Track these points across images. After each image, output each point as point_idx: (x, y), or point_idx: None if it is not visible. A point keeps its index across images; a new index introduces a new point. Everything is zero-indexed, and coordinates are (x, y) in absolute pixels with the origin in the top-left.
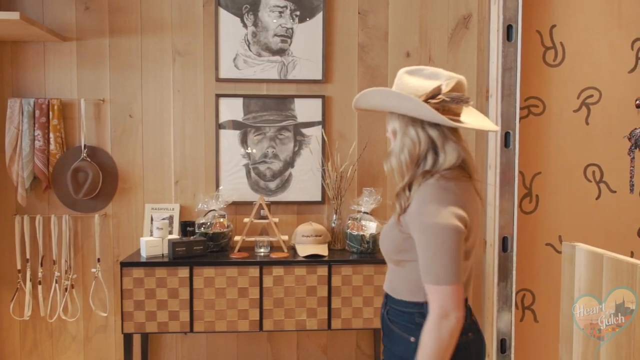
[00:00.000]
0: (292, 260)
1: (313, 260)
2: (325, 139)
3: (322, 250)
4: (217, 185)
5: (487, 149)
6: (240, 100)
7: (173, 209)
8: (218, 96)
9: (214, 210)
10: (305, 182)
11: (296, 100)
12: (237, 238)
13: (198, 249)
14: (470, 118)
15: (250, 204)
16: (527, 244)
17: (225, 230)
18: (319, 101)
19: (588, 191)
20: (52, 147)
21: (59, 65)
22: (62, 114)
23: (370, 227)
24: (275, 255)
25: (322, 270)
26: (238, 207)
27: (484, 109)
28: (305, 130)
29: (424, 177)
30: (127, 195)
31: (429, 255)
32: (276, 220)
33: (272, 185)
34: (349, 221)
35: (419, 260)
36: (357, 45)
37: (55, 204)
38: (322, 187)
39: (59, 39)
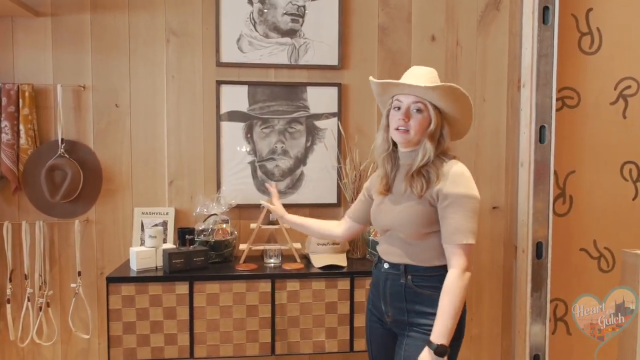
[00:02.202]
0: (309, 273)
1: (333, 272)
2: (342, 132)
3: (341, 260)
4: (218, 186)
5: (519, 144)
6: (244, 88)
7: (167, 214)
8: (219, 83)
9: (215, 214)
10: (319, 182)
11: (309, 89)
12: (242, 247)
13: (198, 260)
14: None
15: (256, 207)
16: (560, 249)
17: (228, 237)
18: (334, 90)
19: (624, 191)
20: (22, 141)
21: (31, 45)
22: (35, 102)
23: None
24: (288, 267)
25: (343, 284)
26: (242, 210)
27: (515, 100)
28: (319, 123)
29: (446, 156)
30: (113, 197)
31: (464, 218)
32: (287, 225)
33: (282, 185)
34: (370, 226)
35: (449, 223)
36: (377, 27)
37: (27, 208)
38: (338, 187)
39: (30, 14)
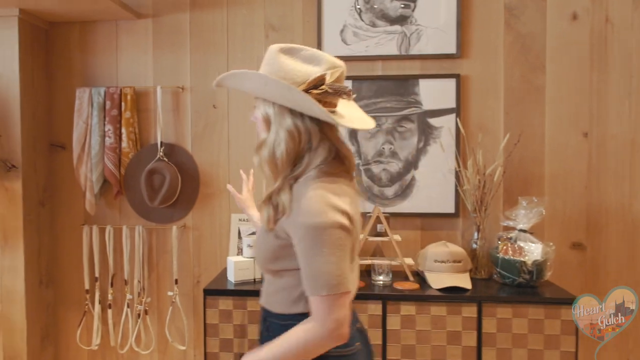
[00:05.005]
0: (427, 295)
1: (456, 295)
2: (462, 131)
3: (464, 281)
4: None
5: None
6: (348, 84)
7: None
8: None
9: None
10: (432, 188)
11: (421, 82)
12: None
13: None
14: (346, 109)
15: (361, 215)
16: None
17: None
18: (451, 82)
19: None
20: (124, 144)
21: (133, 47)
22: (136, 105)
23: (533, 250)
24: (400, 286)
25: (469, 310)
26: None
27: None
28: (433, 121)
29: (299, 176)
30: (210, 202)
31: (313, 261)
32: (398, 238)
33: (389, 191)
34: (499, 242)
35: (301, 267)
36: (503, 7)
37: (128, 212)
38: (457, 194)
39: (132, 16)
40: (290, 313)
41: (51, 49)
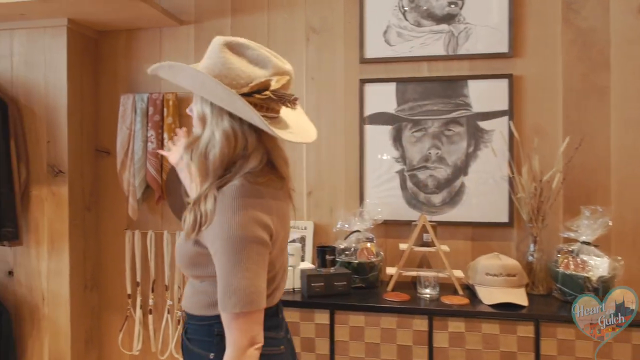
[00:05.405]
0: (477, 312)
1: (511, 313)
2: (516, 134)
3: (519, 297)
4: (362, 199)
5: None
6: (392, 86)
7: (305, 228)
8: (363, 82)
9: (357, 231)
10: (484, 196)
11: (470, 83)
12: (390, 270)
13: (340, 285)
14: (291, 116)
15: (406, 224)
16: None
17: (374, 259)
18: (504, 82)
19: None
20: (166, 150)
21: (175, 53)
22: (178, 110)
23: (599, 265)
24: (448, 301)
25: (525, 330)
26: (389, 227)
27: None
28: (483, 124)
29: (225, 182)
30: None
31: (228, 275)
32: (446, 248)
33: (436, 199)
34: (559, 255)
35: (219, 281)
36: (561, 1)
37: (169, 217)
38: (511, 202)
39: (175, 22)
40: (209, 315)
41: (99, 57)
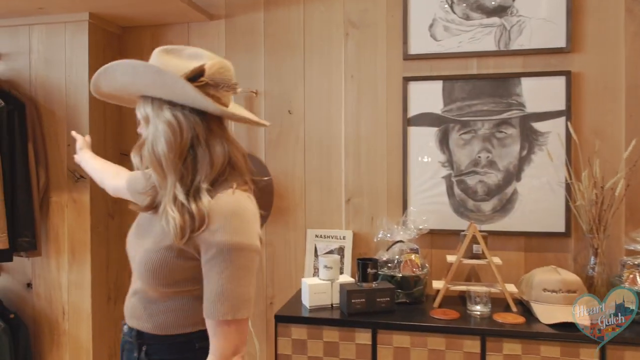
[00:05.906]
0: (535, 333)
1: (573, 334)
2: (574, 137)
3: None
4: (405, 206)
5: None
6: (438, 85)
7: (344, 238)
8: (407, 80)
9: (401, 241)
10: (539, 204)
11: (524, 81)
12: (436, 284)
13: (383, 301)
14: (239, 111)
15: (453, 233)
16: None
17: (419, 272)
18: (561, 80)
19: None
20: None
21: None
22: None
23: None
24: (502, 319)
25: (588, 353)
26: (435, 237)
27: None
28: (538, 125)
29: (218, 188)
30: (284, 216)
31: (225, 282)
32: (498, 261)
33: (487, 206)
34: (624, 269)
35: (210, 288)
36: None
37: None
38: (568, 211)
39: (204, 17)
40: (186, 332)
41: (124, 54)
